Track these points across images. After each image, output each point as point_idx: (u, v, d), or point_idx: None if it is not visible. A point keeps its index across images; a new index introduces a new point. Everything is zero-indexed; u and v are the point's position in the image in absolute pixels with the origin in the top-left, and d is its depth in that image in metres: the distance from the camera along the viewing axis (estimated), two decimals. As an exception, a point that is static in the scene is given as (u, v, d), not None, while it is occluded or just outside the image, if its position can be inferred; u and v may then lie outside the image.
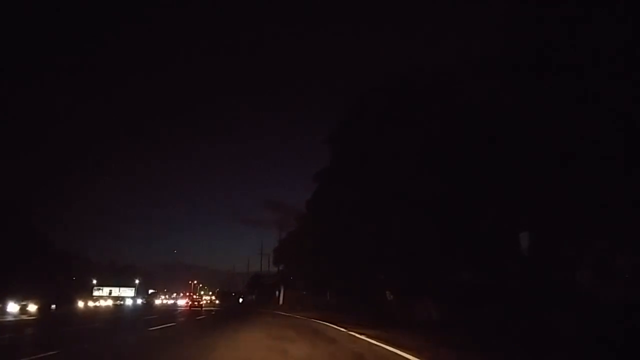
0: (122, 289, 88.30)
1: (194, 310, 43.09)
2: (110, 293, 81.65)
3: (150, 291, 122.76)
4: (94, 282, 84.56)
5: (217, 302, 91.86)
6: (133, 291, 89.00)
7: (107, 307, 56.36)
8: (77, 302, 45.12)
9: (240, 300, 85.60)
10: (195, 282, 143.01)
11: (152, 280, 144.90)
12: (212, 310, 44.44)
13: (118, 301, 70.35)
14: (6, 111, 65.09)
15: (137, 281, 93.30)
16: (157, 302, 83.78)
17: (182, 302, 73.79)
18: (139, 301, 75.04)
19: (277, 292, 61.71)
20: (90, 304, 49.52)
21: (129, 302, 71.02)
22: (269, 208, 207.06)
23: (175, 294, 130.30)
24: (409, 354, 9.61)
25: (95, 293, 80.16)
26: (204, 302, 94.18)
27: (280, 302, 56.93)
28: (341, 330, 16.65)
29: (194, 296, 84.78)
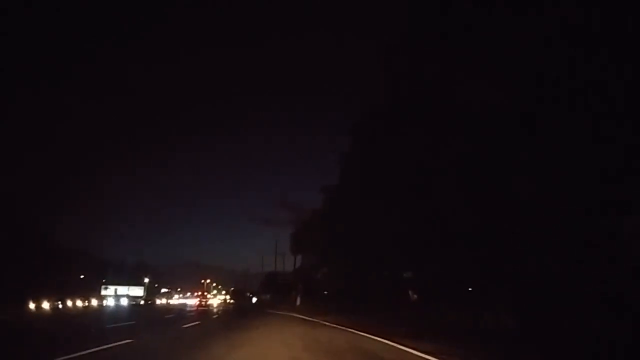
0: (131, 287, 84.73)
1: (197, 312, 37.72)
2: (116, 292, 77.57)
3: (163, 290, 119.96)
4: (103, 280, 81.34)
5: (231, 301, 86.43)
6: (142, 290, 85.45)
7: (87, 307, 49.21)
8: (27, 304, 36.05)
9: (254, 300, 78.99)
10: (209, 281, 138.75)
11: (167, 279, 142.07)
12: (217, 313, 38.43)
13: (103, 301, 62.80)
14: (7, 111, 61.20)
15: (146, 280, 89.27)
16: (162, 301, 78.15)
17: (191, 302, 67.58)
18: (126, 301, 66.69)
19: (293, 292, 55.65)
20: (45, 305, 39.06)
21: (111, 301, 63.21)
22: (283, 207, 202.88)
23: (189, 293, 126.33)
24: None
25: (103, 292, 76.63)
26: (220, 300, 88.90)
27: (298, 302, 50.80)
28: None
29: (207, 295, 79.81)
